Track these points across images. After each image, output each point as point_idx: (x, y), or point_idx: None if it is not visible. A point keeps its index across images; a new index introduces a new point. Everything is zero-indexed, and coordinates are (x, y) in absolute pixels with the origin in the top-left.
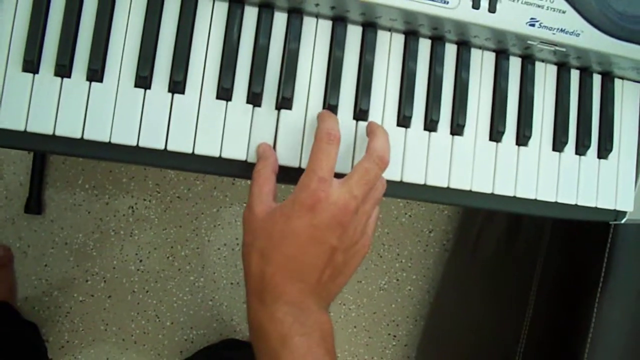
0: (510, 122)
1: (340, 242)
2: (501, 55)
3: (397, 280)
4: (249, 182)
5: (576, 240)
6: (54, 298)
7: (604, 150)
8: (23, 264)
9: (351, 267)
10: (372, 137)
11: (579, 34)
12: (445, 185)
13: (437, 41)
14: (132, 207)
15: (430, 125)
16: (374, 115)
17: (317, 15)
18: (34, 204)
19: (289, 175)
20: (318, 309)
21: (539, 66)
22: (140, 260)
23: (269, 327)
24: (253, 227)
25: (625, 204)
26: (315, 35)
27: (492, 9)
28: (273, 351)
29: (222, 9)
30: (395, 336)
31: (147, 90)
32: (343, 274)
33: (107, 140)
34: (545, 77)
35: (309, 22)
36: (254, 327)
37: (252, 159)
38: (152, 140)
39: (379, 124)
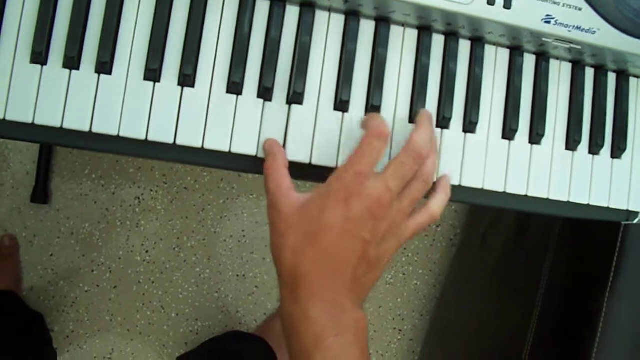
0: (523, 120)
1: (372, 236)
2: (515, 52)
3: (404, 274)
4: (256, 175)
5: (586, 238)
6: (59, 288)
7: (618, 150)
8: (29, 254)
9: (383, 263)
10: (415, 130)
11: (594, 32)
12: (457, 183)
13: (451, 37)
14: (139, 198)
15: (443, 122)
16: (386, 112)
17: (330, 9)
18: (41, 194)
19: (299, 171)
20: (352, 306)
21: (554, 64)
22: (146, 251)
23: (303, 326)
24: (282, 225)
25: (638, 204)
26: (328, 30)
27: (507, 5)
28: (306, 351)
29: (233, 2)
30: (400, 330)
31: (157, 84)
32: (376, 269)
33: (115, 133)
34: (559, 75)
35: (321, 16)
36: (287, 325)
37: (262, 154)
38: (161, 134)
39: (429, 115)
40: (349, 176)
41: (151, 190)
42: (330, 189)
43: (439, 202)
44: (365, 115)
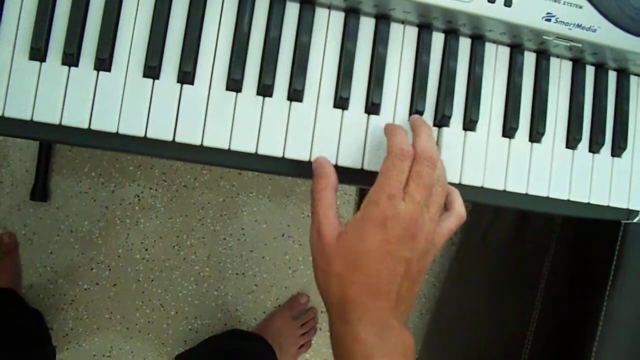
0: (523, 118)
1: (413, 253)
2: (516, 50)
3: None
4: (256, 173)
5: (586, 236)
6: (58, 286)
7: (618, 149)
8: (28, 251)
9: (423, 273)
10: (415, 137)
11: (595, 30)
12: (457, 182)
13: (451, 35)
14: (138, 196)
15: (443, 120)
16: (386, 110)
17: (330, 7)
18: (40, 191)
19: (298, 168)
20: (399, 324)
21: (554, 62)
22: (146, 249)
23: (353, 347)
24: (326, 252)
25: (638, 203)
26: (328, 27)
27: (507, 2)
28: None
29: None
30: None
31: (156, 81)
32: (418, 282)
33: (114, 130)
34: (560, 73)
35: (321, 13)
36: (338, 346)
37: (261, 151)
38: (160, 131)
39: (422, 120)
40: (382, 201)
41: (151, 189)
42: (365, 215)
43: (460, 202)
44: (366, 111)
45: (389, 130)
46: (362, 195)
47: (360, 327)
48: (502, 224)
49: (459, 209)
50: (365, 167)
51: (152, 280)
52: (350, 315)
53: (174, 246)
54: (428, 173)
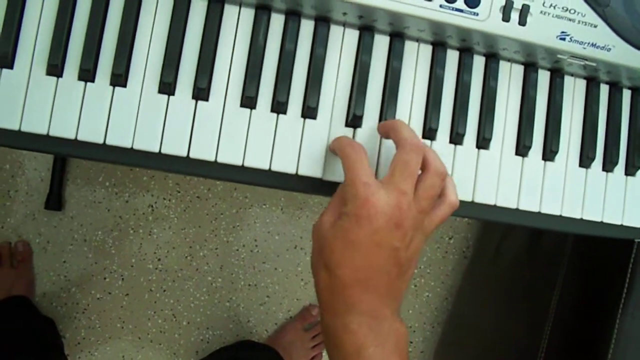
0: (537, 137)
1: (401, 242)
2: (530, 69)
3: (415, 286)
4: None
5: (599, 253)
6: (71, 294)
7: (632, 167)
8: (42, 260)
9: (414, 260)
10: (395, 131)
11: (610, 49)
12: (470, 200)
13: (465, 53)
14: (152, 206)
15: (456, 138)
16: None
17: (345, 24)
18: (55, 200)
19: (311, 185)
20: (391, 314)
21: (568, 80)
22: (159, 259)
23: (344, 338)
24: (317, 236)
25: None
26: (342, 45)
27: (522, 21)
28: None
29: (248, 16)
30: (411, 342)
31: (171, 97)
32: (409, 269)
33: (129, 146)
34: (574, 92)
35: (336, 31)
36: (329, 337)
37: (275, 168)
38: (175, 147)
39: (395, 119)
40: (360, 190)
41: (164, 199)
42: (348, 209)
43: (452, 189)
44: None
45: (336, 138)
46: None
47: (350, 318)
48: (514, 239)
49: (451, 197)
50: None
51: (165, 291)
52: (339, 307)
53: (186, 257)
54: (415, 160)
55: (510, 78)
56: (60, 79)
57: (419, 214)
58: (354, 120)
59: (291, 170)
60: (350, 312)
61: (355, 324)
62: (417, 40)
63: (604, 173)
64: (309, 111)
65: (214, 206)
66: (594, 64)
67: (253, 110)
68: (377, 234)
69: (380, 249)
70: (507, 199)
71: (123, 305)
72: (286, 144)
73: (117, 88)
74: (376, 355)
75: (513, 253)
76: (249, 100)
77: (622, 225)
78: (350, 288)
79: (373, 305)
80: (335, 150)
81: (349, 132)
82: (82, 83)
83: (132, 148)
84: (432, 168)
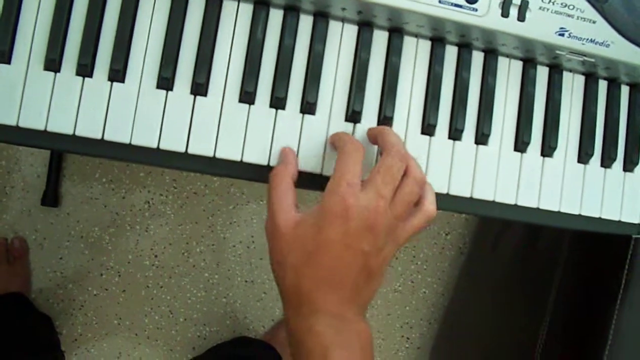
0: (535, 132)
1: (372, 247)
2: (528, 64)
3: (412, 282)
4: (266, 183)
5: (597, 248)
6: (68, 291)
7: (630, 164)
8: (38, 256)
9: (383, 269)
10: (383, 136)
11: (608, 45)
12: (468, 195)
13: (464, 48)
14: (149, 202)
15: (455, 134)
16: (398, 123)
17: (343, 20)
18: (51, 197)
19: (310, 181)
20: (355, 316)
21: (567, 76)
22: (155, 256)
23: (309, 341)
24: (280, 243)
25: None
26: (341, 40)
27: (521, 17)
28: None
29: (246, 11)
30: (408, 338)
31: (169, 92)
32: (377, 276)
33: (127, 141)
34: (572, 88)
35: (334, 26)
36: (294, 340)
37: (273, 163)
38: (173, 142)
39: (385, 127)
40: (341, 189)
41: (161, 195)
42: (325, 205)
43: (431, 199)
44: (378, 125)
45: (335, 133)
46: None
47: (315, 320)
48: (512, 235)
49: (428, 206)
50: None
51: (161, 287)
52: (304, 309)
53: (183, 253)
54: (398, 166)
55: (509, 74)
56: (57, 74)
57: (394, 220)
58: (353, 116)
59: None
60: (316, 313)
61: (320, 325)
62: (416, 35)
63: (602, 169)
64: (308, 107)
65: (210, 202)
66: (592, 60)
67: (252, 106)
68: (348, 236)
69: (349, 251)
70: (505, 195)
71: (120, 301)
72: (285, 139)
73: (115, 83)
74: (341, 358)
75: (510, 249)
76: (247, 96)
77: (620, 221)
78: (317, 289)
79: (338, 308)
80: (334, 143)
81: (348, 127)
82: (80, 78)
83: (130, 144)
84: (412, 175)
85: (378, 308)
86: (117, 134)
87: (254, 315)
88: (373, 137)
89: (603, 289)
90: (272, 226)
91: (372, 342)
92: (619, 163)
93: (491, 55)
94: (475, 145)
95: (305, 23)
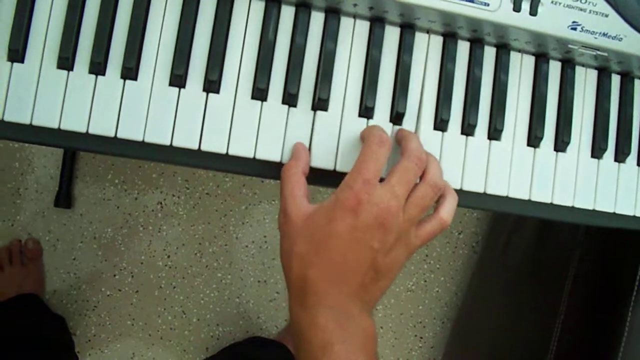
0: (548, 127)
1: (381, 245)
2: (541, 59)
3: (425, 281)
4: (278, 181)
5: (610, 246)
6: (81, 292)
7: None
8: (52, 257)
9: (393, 272)
10: (406, 140)
11: (621, 39)
12: (482, 191)
13: (476, 44)
14: (161, 203)
15: (468, 129)
16: (411, 118)
17: (355, 16)
18: (64, 198)
19: (323, 177)
20: (360, 312)
21: (579, 71)
22: (168, 256)
23: (311, 333)
24: (290, 232)
25: None
26: (353, 36)
27: (533, 12)
28: (313, 358)
29: (258, 8)
30: (421, 338)
31: (182, 89)
32: (386, 278)
33: (140, 139)
34: (585, 82)
35: (346, 23)
36: (296, 332)
37: (286, 159)
38: (186, 140)
39: (408, 131)
40: (357, 185)
41: (173, 196)
42: (338, 198)
43: (448, 208)
44: (390, 120)
45: (369, 127)
46: None
47: (318, 312)
48: (525, 233)
49: (443, 214)
50: None
51: (174, 287)
52: (309, 300)
53: (196, 253)
54: (414, 170)
55: (521, 69)
56: (71, 72)
57: (406, 222)
58: (365, 112)
59: None
60: (319, 305)
61: (322, 318)
62: (428, 31)
63: (616, 164)
64: (320, 103)
65: (223, 203)
66: (605, 54)
67: (264, 103)
68: (357, 230)
69: (357, 245)
70: (519, 190)
71: (133, 302)
72: (297, 136)
73: (128, 81)
74: (341, 353)
75: (523, 247)
76: (259, 93)
77: (634, 216)
78: (322, 280)
79: (342, 301)
80: (364, 137)
81: (361, 123)
82: (93, 76)
83: (143, 141)
84: (428, 179)
85: (391, 307)
86: (130, 132)
87: (267, 315)
88: (398, 139)
89: (617, 286)
90: (283, 217)
91: (377, 339)
92: (632, 157)
93: (503, 50)
94: (488, 141)
95: (317, 19)
